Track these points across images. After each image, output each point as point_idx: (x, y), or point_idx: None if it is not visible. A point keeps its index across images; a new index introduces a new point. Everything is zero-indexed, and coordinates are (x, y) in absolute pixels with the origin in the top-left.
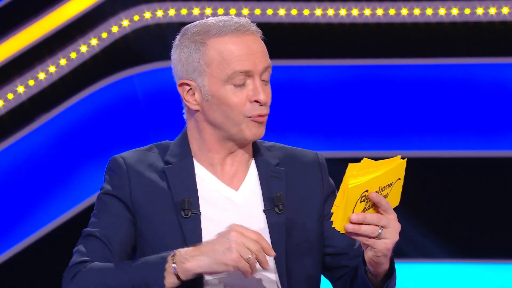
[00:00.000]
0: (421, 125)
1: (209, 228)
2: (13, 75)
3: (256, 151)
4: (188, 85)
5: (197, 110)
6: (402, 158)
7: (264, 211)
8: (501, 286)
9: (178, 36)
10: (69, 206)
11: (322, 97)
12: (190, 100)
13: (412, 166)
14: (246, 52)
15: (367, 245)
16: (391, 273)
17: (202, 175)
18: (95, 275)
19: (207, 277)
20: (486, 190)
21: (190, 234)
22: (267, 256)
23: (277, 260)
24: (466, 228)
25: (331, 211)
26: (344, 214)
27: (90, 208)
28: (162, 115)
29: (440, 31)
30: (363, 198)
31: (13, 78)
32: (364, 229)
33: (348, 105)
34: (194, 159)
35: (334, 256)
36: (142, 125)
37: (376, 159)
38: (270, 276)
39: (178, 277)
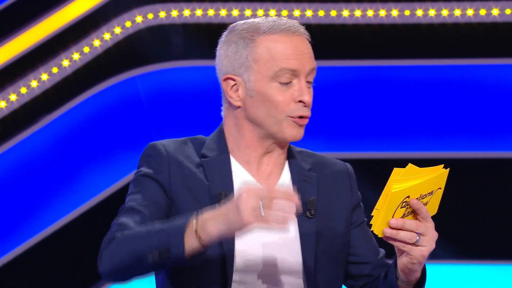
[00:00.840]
0: (423, 126)
1: None
2: (15, 76)
3: (290, 154)
4: (233, 80)
5: (239, 107)
6: (445, 167)
7: (295, 214)
8: (504, 287)
9: (225, 33)
10: (73, 207)
11: (324, 99)
12: (233, 95)
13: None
14: (295, 51)
15: (402, 252)
16: (421, 283)
17: (238, 171)
18: (127, 240)
19: (234, 277)
20: (488, 191)
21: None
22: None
23: (305, 264)
24: (468, 229)
25: (371, 214)
26: (383, 218)
27: (93, 209)
28: (165, 116)
29: (443, 32)
30: (404, 204)
31: (15, 79)
32: (402, 235)
33: (351, 106)
34: (230, 155)
35: (358, 264)
36: (145, 126)
37: (378, 160)
38: (297, 280)
39: (200, 240)
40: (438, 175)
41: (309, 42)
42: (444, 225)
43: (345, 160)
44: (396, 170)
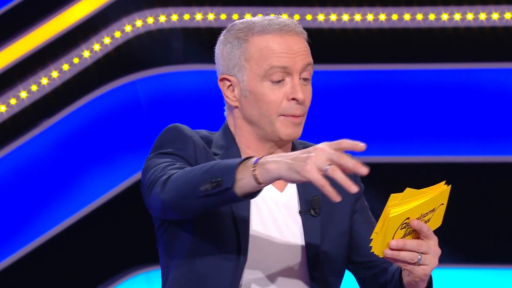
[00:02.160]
0: (425, 130)
1: (258, 213)
2: (15, 80)
3: (294, 150)
4: (229, 80)
5: (236, 107)
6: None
7: (300, 212)
8: None
9: (223, 32)
10: (73, 211)
11: (324, 103)
12: (230, 96)
13: (415, 171)
14: (286, 50)
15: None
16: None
17: None
18: (185, 172)
19: (247, 263)
20: (489, 196)
21: (240, 212)
22: None
23: (310, 262)
24: (470, 233)
25: (370, 238)
26: (383, 240)
27: (93, 213)
28: (165, 120)
29: (443, 36)
30: (404, 225)
31: (15, 84)
32: (403, 255)
33: (351, 111)
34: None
35: (358, 251)
36: (145, 130)
37: (378, 164)
38: (301, 276)
39: (256, 177)
40: (439, 193)
41: (307, 41)
42: (445, 229)
43: None
44: (393, 196)
